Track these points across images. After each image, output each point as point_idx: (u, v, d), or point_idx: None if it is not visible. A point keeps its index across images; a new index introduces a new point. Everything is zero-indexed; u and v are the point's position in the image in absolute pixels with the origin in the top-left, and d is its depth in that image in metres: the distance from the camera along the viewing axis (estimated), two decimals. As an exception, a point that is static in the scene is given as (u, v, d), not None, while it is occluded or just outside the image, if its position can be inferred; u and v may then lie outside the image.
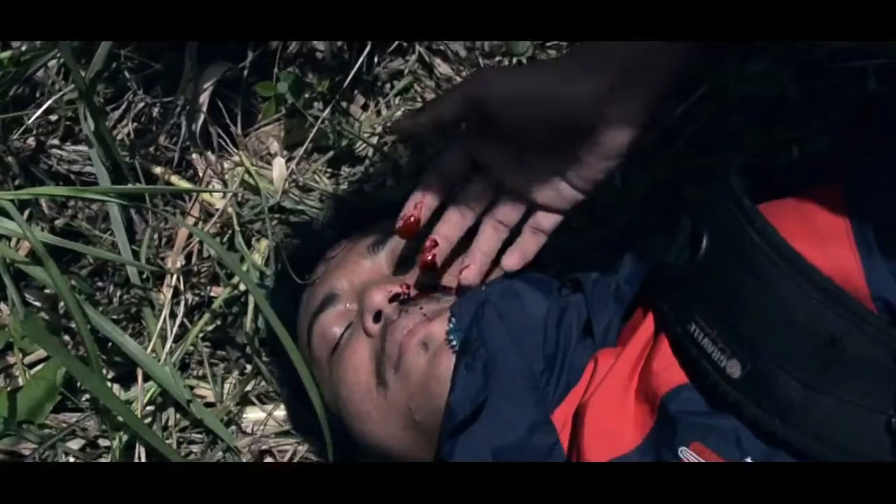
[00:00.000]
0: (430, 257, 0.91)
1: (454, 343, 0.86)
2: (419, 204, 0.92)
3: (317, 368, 0.98)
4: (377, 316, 0.91)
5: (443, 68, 1.20)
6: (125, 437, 1.08)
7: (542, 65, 0.87)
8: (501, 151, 0.90)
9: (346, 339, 0.94)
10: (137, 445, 1.09)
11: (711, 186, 0.81)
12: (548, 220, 0.92)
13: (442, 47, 1.19)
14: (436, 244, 0.92)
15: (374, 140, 1.20)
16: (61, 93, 1.16)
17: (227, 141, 1.20)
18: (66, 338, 1.17)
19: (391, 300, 0.91)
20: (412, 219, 0.92)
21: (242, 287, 1.14)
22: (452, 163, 0.93)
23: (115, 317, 1.16)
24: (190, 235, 1.17)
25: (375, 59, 1.20)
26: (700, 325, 0.76)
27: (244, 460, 1.14)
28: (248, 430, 1.16)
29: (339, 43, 1.18)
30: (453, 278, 0.93)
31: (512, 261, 0.92)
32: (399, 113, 1.20)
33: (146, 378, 1.11)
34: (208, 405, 1.16)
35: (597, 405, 0.81)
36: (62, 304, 1.15)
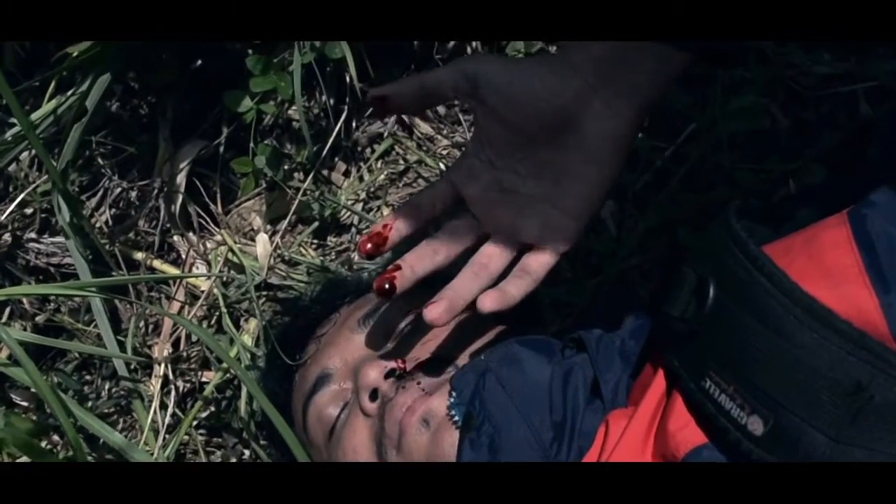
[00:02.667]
0: (386, 281, 0.82)
1: (456, 418, 0.81)
2: (388, 225, 0.84)
3: (315, 452, 0.94)
4: (373, 394, 0.87)
5: (423, 128, 1.18)
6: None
7: (529, 59, 0.83)
8: (486, 180, 0.83)
9: (342, 421, 0.90)
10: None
11: (712, 232, 0.77)
12: (537, 262, 0.84)
13: (420, 107, 1.17)
14: (398, 268, 0.83)
15: (359, 207, 1.17)
16: (34, 185, 1.13)
17: (208, 220, 1.17)
18: (56, 437, 1.12)
19: (387, 376, 0.87)
20: (377, 235, 0.83)
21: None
22: (433, 193, 0.86)
23: (105, 410, 1.12)
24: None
25: (353, 124, 1.18)
26: (715, 380, 0.72)
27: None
28: (251, 519, 1.11)
29: (316, 111, 1.15)
30: (451, 350, 0.89)
31: (486, 302, 0.81)
32: (382, 177, 1.17)
33: (140, 474, 1.06)
34: (207, 496, 1.11)
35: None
36: (49, 402, 1.11)
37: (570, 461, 0.83)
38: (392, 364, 0.87)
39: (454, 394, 0.82)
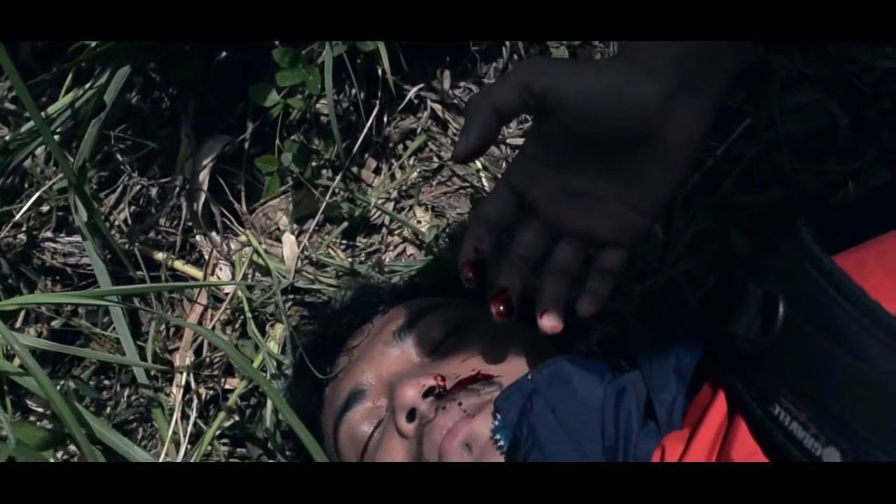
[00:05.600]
0: (502, 303, 0.79)
1: (501, 443, 0.76)
2: (477, 248, 0.79)
3: None
4: (411, 414, 0.81)
5: (458, 123, 1.12)
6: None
7: (595, 63, 0.75)
8: (551, 184, 0.78)
9: (376, 440, 0.85)
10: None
11: (780, 243, 0.71)
12: (614, 258, 0.79)
13: (455, 101, 1.11)
14: (505, 290, 0.80)
15: (390, 206, 1.11)
16: (51, 182, 1.08)
17: (232, 219, 1.12)
18: (73, 448, 1.07)
19: (425, 395, 0.81)
20: (473, 262, 0.79)
21: (259, 378, 1.05)
22: (497, 206, 0.80)
23: (126, 417, 1.07)
24: (200, 323, 1.08)
25: (385, 119, 1.12)
26: (785, 406, 0.66)
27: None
28: (276, 535, 1.06)
29: (345, 104, 1.09)
30: (494, 367, 0.83)
31: (587, 308, 0.79)
32: (415, 174, 1.12)
33: (160, 489, 1.01)
34: (231, 511, 1.06)
35: None
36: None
37: None
38: (431, 381, 0.81)
39: (499, 416, 0.76)
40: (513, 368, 0.83)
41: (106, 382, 1.12)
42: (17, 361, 1.03)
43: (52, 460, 0.98)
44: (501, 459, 0.75)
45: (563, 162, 0.76)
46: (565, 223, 0.79)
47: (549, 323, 0.78)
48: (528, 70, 0.74)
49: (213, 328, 1.08)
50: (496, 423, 0.76)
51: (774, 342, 0.68)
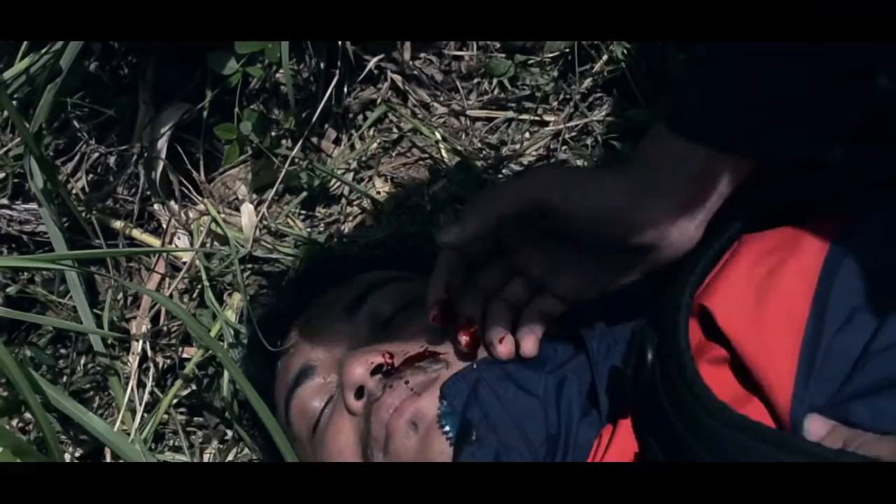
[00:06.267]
0: (470, 339, 0.82)
1: (447, 429, 0.77)
2: (448, 288, 0.83)
3: (299, 447, 0.89)
4: (359, 391, 0.82)
5: (418, 94, 1.12)
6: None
7: (609, 177, 0.76)
8: (530, 237, 0.82)
9: (327, 417, 0.85)
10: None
11: (663, 303, 0.75)
12: (557, 308, 0.84)
13: (416, 72, 1.11)
14: (474, 322, 0.84)
15: (350, 177, 1.11)
16: (6, 148, 1.07)
17: (191, 188, 1.11)
18: (28, 416, 1.07)
19: (373, 372, 0.81)
20: (445, 301, 0.82)
21: (216, 347, 1.05)
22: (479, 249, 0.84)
23: (82, 386, 1.07)
24: (157, 291, 1.08)
25: (345, 90, 1.11)
26: (653, 451, 0.70)
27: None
28: None
29: (305, 74, 1.09)
30: (442, 345, 0.84)
31: (531, 347, 0.82)
32: (375, 145, 1.12)
33: (115, 456, 1.01)
34: (187, 479, 1.06)
35: None
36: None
37: None
38: (379, 359, 0.82)
39: (444, 402, 0.78)
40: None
41: (62, 351, 1.12)
42: (-29, 328, 1.02)
43: (7, 427, 0.97)
44: (446, 443, 0.76)
45: (555, 233, 0.79)
46: (531, 269, 0.83)
47: (504, 350, 0.81)
48: (540, 185, 0.77)
49: (171, 297, 1.08)
50: (442, 408, 0.77)
51: (641, 389, 0.72)
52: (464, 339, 0.82)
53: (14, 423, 1.06)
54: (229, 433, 1.09)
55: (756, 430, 0.62)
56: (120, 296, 1.10)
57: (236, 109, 1.06)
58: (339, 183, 1.11)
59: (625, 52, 1.05)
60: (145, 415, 1.04)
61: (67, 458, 1.04)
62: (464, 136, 1.11)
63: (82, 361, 1.09)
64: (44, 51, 1.04)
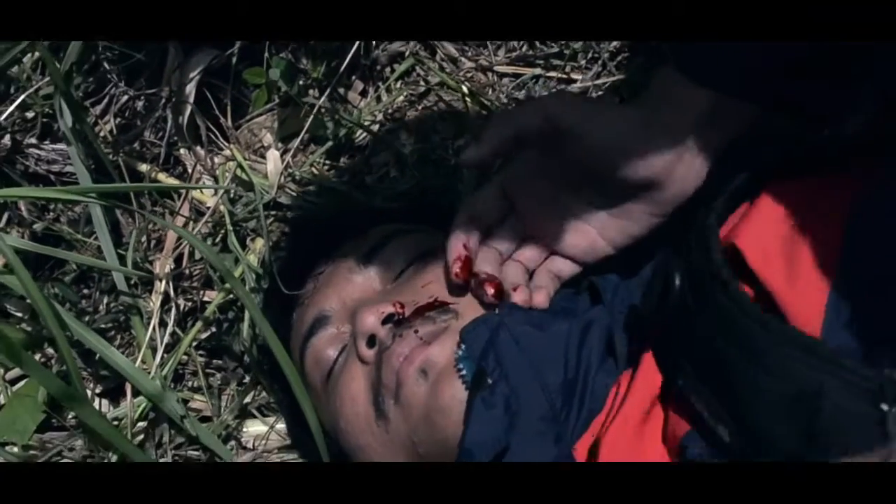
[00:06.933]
0: (494, 290, 0.83)
1: (464, 373, 0.78)
2: (465, 246, 0.84)
3: (313, 395, 0.90)
4: (371, 340, 0.83)
5: (446, 48, 1.12)
6: (115, 458, 1.00)
7: (623, 109, 0.79)
8: (542, 194, 0.83)
9: (340, 365, 0.87)
10: (129, 466, 1.01)
11: (695, 222, 0.74)
12: (567, 269, 0.86)
13: (445, 26, 1.11)
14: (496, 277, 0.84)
15: (375, 128, 1.12)
16: (36, 86, 1.07)
17: (217, 134, 1.12)
18: (51, 350, 1.08)
19: (384, 322, 0.82)
20: (464, 259, 0.83)
21: (238, 290, 1.06)
22: (487, 202, 0.85)
23: (103, 325, 1.08)
24: (180, 236, 1.09)
25: (374, 42, 1.12)
26: (686, 383, 0.69)
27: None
28: (249, 445, 1.08)
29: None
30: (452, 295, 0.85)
31: (542, 300, 0.84)
32: (401, 98, 1.12)
33: (136, 392, 1.02)
34: (204, 420, 1.08)
35: (610, 445, 0.73)
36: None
37: (578, 426, 0.79)
38: (389, 308, 0.83)
39: (463, 346, 0.79)
40: (470, 298, 0.85)
41: (85, 291, 1.13)
42: (-1, 261, 1.03)
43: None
44: (462, 387, 0.77)
45: (560, 178, 0.81)
46: (540, 231, 0.85)
47: (520, 297, 0.83)
48: (557, 104, 0.78)
49: (194, 240, 1.09)
50: (460, 352, 0.78)
51: (667, 317, 0.72)
52: (490, 290, 0.82)
53: (37, 357, 1.07)
54: (247, 377, 1.10)
55: (808, 345, 0.62)
56: (144, 238, 1.11)
57: (266, 55, 1.07)
58: (364, 134, 1.12)
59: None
60: (165, 355, 1.05)
61: (89, 393, 1.05)
62: (490, 92, 1.11)
63: (105, 301, 1.10)
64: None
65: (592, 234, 0.83)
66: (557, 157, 0.80)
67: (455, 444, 0.76)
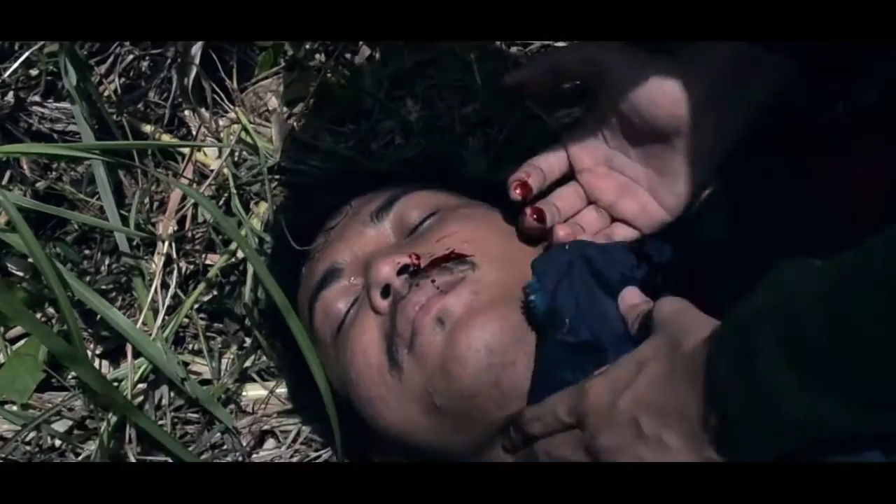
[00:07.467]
0: (537, 214, 0.85)
1: (535, 305, 0.77)
2: (530, 176, 0.86)
3: (321, 350, 0.90)
4: (385, 290, 0.82)
5: (455, 16, 1.11)
6: (115, 419, 1.00)
7: (654, 60, 0.83)
8: (597, 155, 0.88)
9: (351, 317, 0.86)
10: (128, 427, 1.01)
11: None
12: (623, 233, 0.88)
13: (454, -8, 1.10)
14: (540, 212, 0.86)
15: (381, 94, 1.11)
16: (40, 43, 1.07)
17: (222, 96, 1.11)
18: (51, 310, 1.08)
19: (399, 272, 0.82)
20: (526, 184, 0.85)
21: (240, 254, 1.05)
22: (549, 161, 0.88)
23: (104, 286, 1.08)
24: (183, 199, 1.08)
25: (382, 7, 1.11)
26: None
27: (243, 441, 1.05)
28: (248, 408, 1.07)
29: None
30: (468, 247, 0.84)
31: (561, 233, 0.85)
32: (409, 65, 1.11)
33: (136, 354, 1.02)
34: (204, 382, 1.07)
35: None
36: (46, 273, 1.06)
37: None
38: (405, 259, 0.82)
39: (535, 278, 0.79)
40: (487, 250, 0.84)
41: (87, 252, 1.12)
42: (1, 219, 1.03)
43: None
44: (522, 316, 0.78)
45: (612, 139, 0.87)
46: (597, 191, 0.88)
47: (562, 233, 0.85)
48: (599, 48, 0.84)
49: (196, 204, 1.08)
50: (532, 283, 0.78)
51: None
52: (530, 213, 0.85)
53: (38, 317, 1.06)
54: (248, 340, 1.09)
55: None
56: (146, 200, 1.10)
57: (273, 17, 1.05)
58: (370, 99, 1.11)
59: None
60: (166, 317, 1.04)
61: (89, 354, 1.04)
62: (498, 59, 1.10)
63: (107, 261, 1.09)
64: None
65: (644, 196, 0.86)
66: (604, 109, 0.85)
67: (470, 395, 0.77)
